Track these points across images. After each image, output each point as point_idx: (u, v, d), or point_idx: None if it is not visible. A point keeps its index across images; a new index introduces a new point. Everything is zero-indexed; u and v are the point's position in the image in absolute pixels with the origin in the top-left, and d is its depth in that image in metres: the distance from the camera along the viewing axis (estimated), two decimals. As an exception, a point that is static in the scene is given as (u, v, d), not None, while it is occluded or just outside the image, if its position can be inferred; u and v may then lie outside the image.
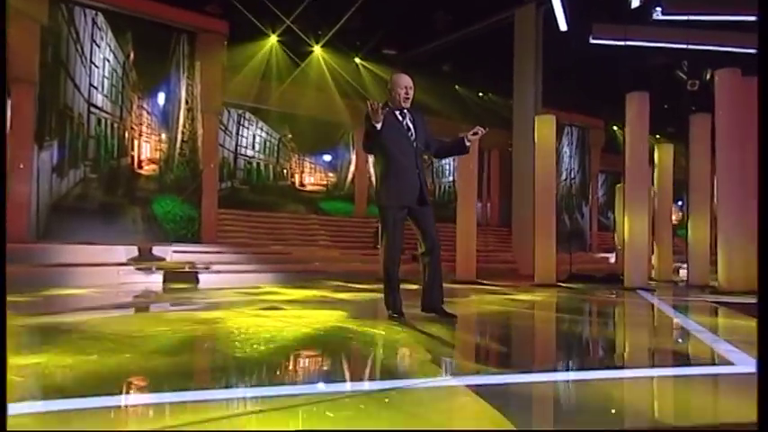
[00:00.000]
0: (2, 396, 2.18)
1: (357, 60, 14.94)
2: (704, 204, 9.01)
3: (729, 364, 2.48)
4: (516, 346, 3.40)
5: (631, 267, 7.66)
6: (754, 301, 5.88)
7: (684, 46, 11.78)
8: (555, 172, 8.24)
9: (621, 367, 2.68)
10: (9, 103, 8.55)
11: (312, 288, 6.86)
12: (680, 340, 3.46)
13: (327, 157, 15.74)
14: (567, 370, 2.52)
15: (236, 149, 14.26)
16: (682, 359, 2.91)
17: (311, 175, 15.48)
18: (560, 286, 8.08)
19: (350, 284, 7.44)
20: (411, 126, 3.76)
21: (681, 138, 13.48)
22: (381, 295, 3.83)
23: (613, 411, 1.80)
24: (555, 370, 2.51)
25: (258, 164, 14.65)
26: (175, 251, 9.10)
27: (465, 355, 2.95)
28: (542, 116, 8.37)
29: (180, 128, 11.75)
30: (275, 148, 14.97)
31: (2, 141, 3.32)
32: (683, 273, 10.73)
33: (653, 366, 2.69)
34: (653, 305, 5.59)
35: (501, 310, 5.07)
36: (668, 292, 7.23)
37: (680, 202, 20.57)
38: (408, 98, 3.72)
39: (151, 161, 11.45)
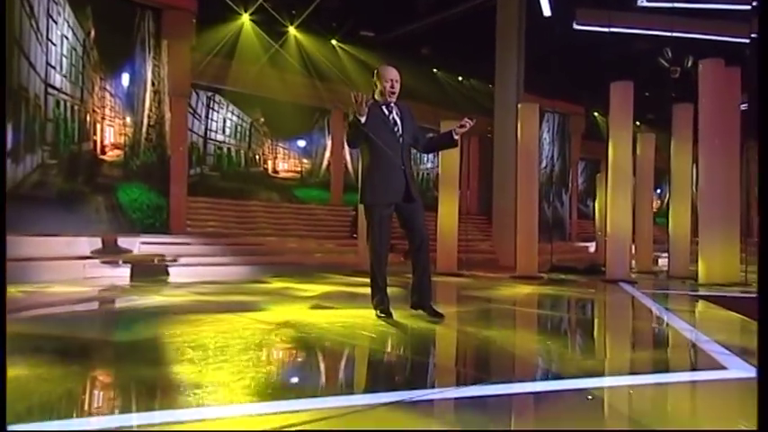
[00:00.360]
0: (2, 396, 2.19)
1: (334, 42, 14.73)
2: (685, 195, 9.20)
3: (722, 368, 2.51)
4: (498, 354, 3.41)
5: (613, 260, 7.77)
6: (735, 293, 6.06)
7: (668, 33, 11.91)
8: (537, 163, 8.27)
9: (612, 375, 2.69)
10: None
11: (317, 282, 6.82)
12: (669, 342, 3.50)
13: (302, 143, 15.56)
14: (549, 379, 2.51)
15: (205, 134, 13.98)
16: (673, 364, 2.94)
17: (285, 162, 15.29)
18: (542, 278, 8.17)
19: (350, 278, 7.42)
20: (398, 120, 3.71)
21: (660, 124, 13.73)
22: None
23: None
24: (534, 379, 2.52)
25: (229, 149, 14.39)
26: (144, 242, 8.88)
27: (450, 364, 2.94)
28: (526, 104, 8.37)
29: (146, 111, 11.43)
30: (247, 132, 14.72)
31: (2, 141, 3.17)
32: (662, 262, 10.98)
33: (644, 373, 2.70)
34: (637, 301, 5.67)
35: (487, 308, 5.09)
36: (650, 285, 7.35)
37: (658, 190, 21.04)
38: (394, 91, 3.67)
39: (115, 146, 11.11)
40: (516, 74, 12.10)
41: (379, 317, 3.65)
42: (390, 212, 3.67)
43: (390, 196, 3.64)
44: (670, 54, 13.89)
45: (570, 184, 19.07)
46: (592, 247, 15.11)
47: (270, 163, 15.02)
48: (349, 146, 3.87)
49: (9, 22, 9.46)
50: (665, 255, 10.90)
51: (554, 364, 2.79)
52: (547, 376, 2.55)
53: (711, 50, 12.26)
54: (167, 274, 7.54)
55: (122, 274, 7.17)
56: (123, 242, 8.72)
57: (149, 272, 7.41)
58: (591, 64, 14.76)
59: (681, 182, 9.16)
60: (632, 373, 2.71)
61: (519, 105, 8.42)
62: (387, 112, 3.71)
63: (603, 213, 12.41)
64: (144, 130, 11.40)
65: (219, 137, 14.21)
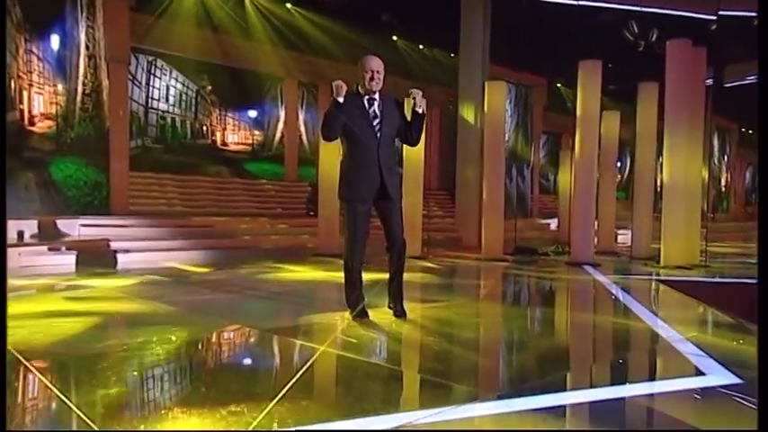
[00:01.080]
0: (2, 396, 2.23)
1: (288, 6, 14.37)
2: (649, 176, 9.60)
3: (700, 374, 2.69)
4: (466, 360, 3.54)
5: (578, 243, 8.09)
6: (699, 278, 6.41)
7: (635, 8, 12.20)
8: (504, 143, 8.43)
9: (589, 385, 2.78)
10: None
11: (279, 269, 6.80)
12: (642, 341, 3.69)
13: (253, 113, 15.24)
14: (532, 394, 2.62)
15: (146, 103, 13.48)
16: (651, 369, 3.08)
17: (235, 133, 14.96)
18: (507, 260, 8.43)
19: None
20: (378, 113, 3.70)
21: (622, 96, 14.18)
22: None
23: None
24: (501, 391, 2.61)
25: (173, 120, 13.96)
26: (84, 225, 8.59)
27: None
28: (493, 83, 8.47)
29: (80, 78, 10.92)
30: (193, 101, 14.29)
31: (2, 141, 3.00)
32: (621, 239, 11.48)
33: (621, 382, 2.80)
34: (604, 287, 5.94)
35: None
36: (614, 269, 7.70)
37: (618, 163, 21.78)
38: (376, 81, 3.65)
39: (46, 117, 10.59)
40: (482, 44, 12.16)
41: (354, 319, 3.71)
42: (367, 209, 3.70)
43: (365, 193, 3.66)
44: (635, 27, 14.26)
45: (532, 158, 19.48)
46: (554, 223, 15.59)
47: (218, 135, 14.67)
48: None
49: None
50: (624, 231, 11.42)
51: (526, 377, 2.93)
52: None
53: (676, 25, 12.73)
54: (115, 261, 7.35)
55: (65, 262, 6.91)
56: (62, 225, 8.42)
57: (96, 260, 7.17)
58: (555, 35, 15.00)
59: (645, 162, 9.54)
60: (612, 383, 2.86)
61: (486, 83, 8.50)
62: (367, 105, 3.69)
63: (566, 192, 12.84)
64: (78, 98, 10.90)
65: (162, 106, 13.74)
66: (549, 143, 23.21)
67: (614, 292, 5.54)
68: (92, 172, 11.05)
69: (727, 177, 27.02)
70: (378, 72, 3.67)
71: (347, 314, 3.79)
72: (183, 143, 14.04)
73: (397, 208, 3.77)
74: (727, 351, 3.18)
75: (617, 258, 9.27)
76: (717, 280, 6.85)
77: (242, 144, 15.04)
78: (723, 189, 25.82)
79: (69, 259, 6.94)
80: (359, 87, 3.74)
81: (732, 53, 15.86)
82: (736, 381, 2.56)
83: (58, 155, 10.62)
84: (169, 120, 13.85)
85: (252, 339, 3.54)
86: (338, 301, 4.05)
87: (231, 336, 3.66)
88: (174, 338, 3.26)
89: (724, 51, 14.60)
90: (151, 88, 13.51)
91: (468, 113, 12.29)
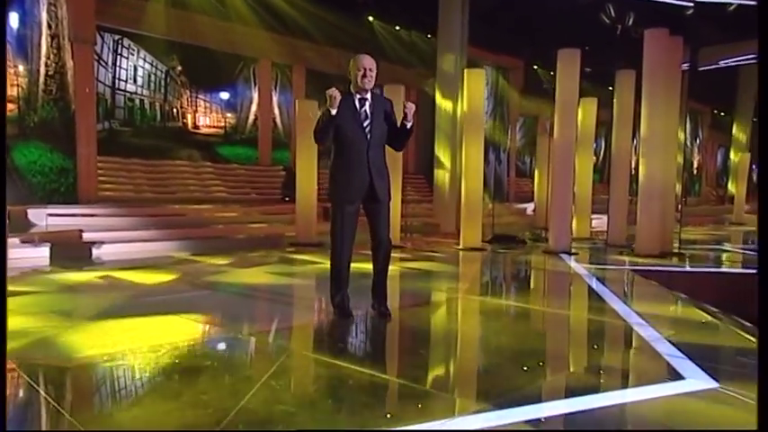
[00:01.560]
0: (2, 396, 2.22)
1: (259, -17, 14.09)
2: (625, 165, 9.76)
3: (679, 377, 2.78)
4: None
5: (556, 232, 8.22)
6: (673, 267, 6.59)
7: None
8: (483, 131, 8.46)
9: (564, 393, 2.77)
10: None
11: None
12: (620, 341, 3.78)
13: (225, 95, 14.97)
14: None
15: (113, 83, 13.11)
16: (629, 373, 3.12)
17: (206, 116, 14.69)
18: (485, 249, 8.54)
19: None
20: (369, 114, 3.68)
21: (599, 80, 14.33)
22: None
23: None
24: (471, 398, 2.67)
25: (142, 101, 13.62)
26: (52, 214, 8.38)
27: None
28: (472, 70, 8.46)
29: (42, 59, 10.58)
30: (162, 82, 13.96)
31: (2, 140, 2.88)
32: (596, 223, 11.67)
33: (595, 390, 2.76)
34: (581, 279, 6.06)
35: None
36: (591, 258, 7.85)
37: (593, 145, 22.07)
38: (368, 79, 3.63)
39: (7, 100, 10.28)
40: (460, 26, 12.10)
41: (338, 318, 3.73)
42: (355, 209, 3.69)
43: (353, 194, 3.66)
44: (612, 11, 14.37)
45: (509, 142, 19.63)
46: (530, 208, 15.79)
47: (189, 117, 14.38)
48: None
49: None
50: (599, 216, 11.62)
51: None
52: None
53: (652, 10, 12.86)
54: (90, 253, 7.19)
55: (38, 255, 6.68)
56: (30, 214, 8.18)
57: (70, 252, 6.96)
58: (533, 17, 15.04)
59: (621, 151, 9.69)
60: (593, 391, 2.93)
61: (465, 71, 8.49)
62: (358, 105, 3.67)
63: (543, 178, 13.00)
64: (41, 80, 10.58)
65: (130, 87, 13.40)
66: (525, 125, 23.33)
67: (593, 286, 5.65)
68: (57, 157, 10.77)
69: (699, 160, 27.61)
70: (370, 70, 3.65)
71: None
72: (152, 126, 13.74)
73: (386, 209, 3.77)
74: (704, 350, 3.30)
75: (593, 245, 9.45)
76: (690, 269, 7.04)
77: (214, 127, 14.79)
78: (695, 172, 26.38)
79: (43, 252, 6.72)
80: (350, 86, 3.72)
81: (707, 38, 16.13)
82: (714, 385, 2.66)
83: (20, 139, 10.32)
84: (137, 101, 13.52)
85: (228, 344, 3.49)
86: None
87: (205, 340, 3.64)
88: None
89: (699, 36, 14.84)
90: (118, 68, 13.15)
91: (445, 96, 12.27)
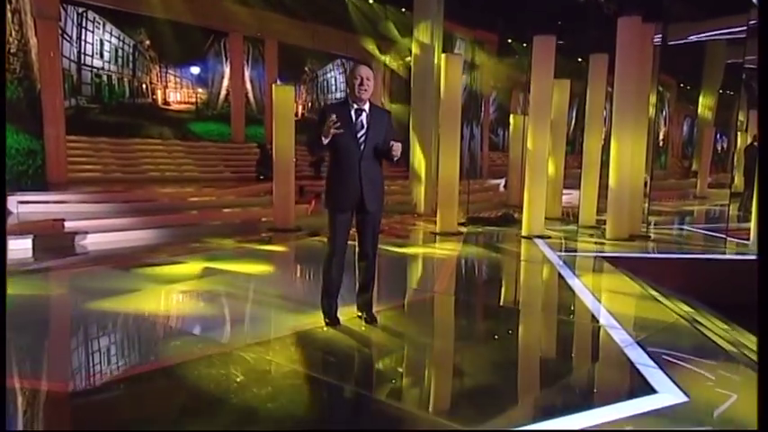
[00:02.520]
0: (2, 396, 2.31)
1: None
2: (597, 147, 9.94)
3: (652, 391, 2.96)
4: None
5: (530, 218, 8.42)
6: (642, 254, 6.83)
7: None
8: (460, 115, 8.51)
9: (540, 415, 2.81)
10: None
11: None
12: (594, 348, 3.95)
13: (196, 70, 14.65)
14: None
15: (78, 59, 12.71)
16: (604, 387, 3.23)
17: (177, 92, 14.39)
18: (461, 234, 8.69)
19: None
20: (365, 125, 3.70)
21: (569, 51, 14.40)
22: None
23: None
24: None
25: (109, 77, 13.25)
26: (22, 201, 8.20)
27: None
28: (450, 55, 8.47)
29: (5, 37, 10.16)
30: (130, 57, 13.58)
31: (2, 140, 2.77)
32: (566, 198, 11.89)
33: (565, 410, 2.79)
34: (555, 272, 6.22)
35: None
36: (563, 245, 8.04)
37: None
38: (365, 88, 3.63)
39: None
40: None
41: (326, 324, 3.82)
42: (347, 218, 3.75)
43: (344, 203, 3.71)
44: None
45: (482, 116, 19.69)
46: (503, 183, 15.99)
47: (159, 93, 14.06)
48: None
49: None
50: (569, 191, 11.86)
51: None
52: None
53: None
54: (73, 244, 7.03)
55: (20, 246, 6.45)
56: (-4, 202, 7.93)
57: (52, 243, 6.77)
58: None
59: (593, 133, 9.87)
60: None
61: (443, 56, 8.48)
62: (354, 116, 3.68)
63: (517, 156, 13.15)
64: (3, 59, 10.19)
65: (97, 62, 13.00)
66: (498, 98, 23.42)
67: (566, 277, 5.84)
68: (24, 139, 10.45)
69: (665, 132, 28.13)
70: (367, 79, 3.65)
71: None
72: (121, 103, 13.41)
73: (374, 221, 3.82)
74: (678, 357, 3.50)
75: (565, 227, 9.68)
76: (657, 256, 7.32)
77: (185, 103, 14.51)
78: (661, 144, 26.89)
79: (25, 244, 6.51)
80: (347, 95, 3.73)
81: (677, 14, 16.31)
82: (684, 399, 2.84)
83: (-15, 121, 9.98)
84: (105, 78, 13.15)
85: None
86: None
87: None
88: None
89: (670, 13, 15.00)
90: (83, 43, 12.72)
91: (421, 71, 12.02)
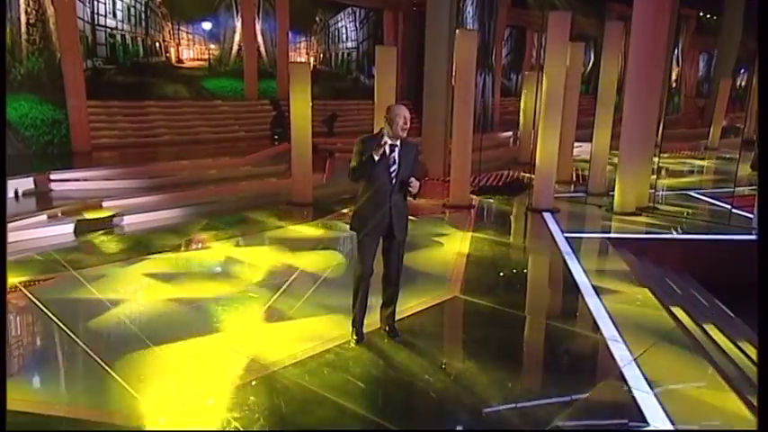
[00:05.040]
0: (2, 396, 2.42)
1: None
2: (609, 114, 10.05)
3: (642, 421, 3.39)
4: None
5: (539, 192, 8.72)
6: (646, 235, 7.15)
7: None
8: (473, 91, 8.62)
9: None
10: None
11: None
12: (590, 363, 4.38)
13: (207, 25, 14.57)
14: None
15: (93, 19, 12.71)
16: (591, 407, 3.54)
17: (190, 49, 14.39)
18: (473, 207, 8.98)
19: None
20: (397, 160, 3.95)
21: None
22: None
23: None
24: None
25: (123, 36, 13.28)
26: (54, 180, 8.55)
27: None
28: (464, 32, 8.48)
29: (23, 7, 10.22)
30: (142, 15, 13.52)
31: (2, 140, 2.98)
32: (577, 151, 11.92)
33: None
34: (559, 260, 6.54)
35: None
36: (570, 220, 8.36)
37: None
38: (405, 129, 3.88)
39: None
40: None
41: (352, 337, 4.27)
42: (375, 241, 4.10)
43: (373, 230, 4.05)
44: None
45: (494, 64, 19.39)
46: (513, 137, 16.06)
47: (173, 51, 14.09)
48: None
49: None
50: (580, 144, 11.93)
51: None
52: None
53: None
54: (111, 227, 7.14)
55: (62, 231, 6.52)
56: (26, 181, 8.20)
57: (92, 226, 6.90)
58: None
59: (606, 102, 9.96)
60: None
61: (457, 32, 8.50)
62: (388, 151, 3.92)
63: (529, 114, 13.18)
64: (23, 30, 10.29)
65: (110, 22, 12.99)
66: (512, 38, 22.92)
67: (571, 268, 6.18)
68: (48, 109, 10.74)
69: (678, 72, 27.31)
70: (408, 119, 3.88)
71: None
72: (136, 62, 13.49)
73: (400, 246, 4.17)
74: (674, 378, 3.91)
75: (573, 196, 9.91)
76: (660, 237, 7.62)
77: (198, 60, 14.53)
78: (674, 85, 26.18)
79: (68, 228, 6.68)
80: (384, 131, 3.95)
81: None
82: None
83: (10, 93, 10.24)
84: (119, 37, 13.18)
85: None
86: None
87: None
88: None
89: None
90: (96, 3, 12.68)
91: (434, 21, 11.64)
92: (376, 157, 3.84)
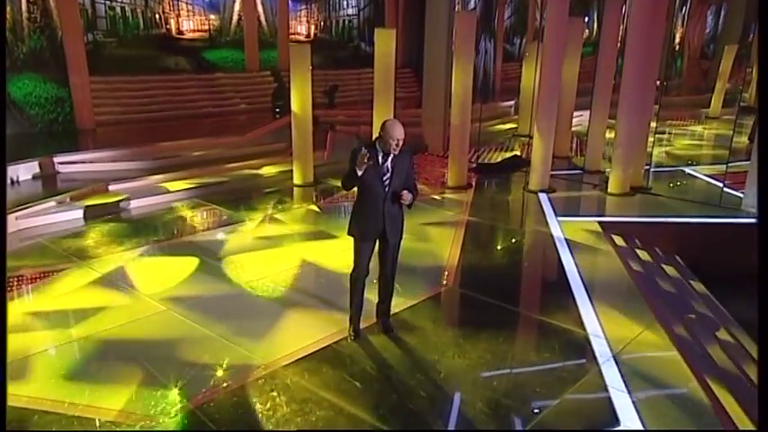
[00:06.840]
0: (2, 396, 2.49)
1: None
2: (607, 92, 10.07)
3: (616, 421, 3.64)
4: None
5: (536, 174, 8.86)
6: (638, 218, 7.34)
7: None
8: (472, 70, 8.65)
9: None
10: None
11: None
12: (577, 364, 4.45)
13: (207, -5, 14.41)
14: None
15: (92, -8, 12.59)
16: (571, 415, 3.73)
17: (190, 20, 14.27)
18: (470, 186, 9.13)
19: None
20: (390, 169, 4.10)
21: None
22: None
23: None
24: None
25: (123, 9, 13.17)
26: (61, 162, 8.70)
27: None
28: (464, 13, 8.46)
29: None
30: (140, -14, 13.37)
31: (2, 139, 3.06)
32: (576, 120, 11.93)
33: None
34: (552, 249, 6.72)
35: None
36: (566, 204, 8.51)
37: (586, 18, 21.30)
38: (398, 148, 4.02)
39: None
40: None
41: (349, 332, 4.53)
42: (370, 245, 4.31)
43: (368, 235, 4.26)
44: None
45: (497, 29, 19.15)
46: (512, 105, 15.97)
47: (173, 22, 13.98)
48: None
49: None
50: (580, 113, 11.92)
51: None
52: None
53: None
54: (119, 211, 7.19)
55: (71, 217, 6.53)
56: (32, 165, 8.33)
57: (100, 211, 6.89)
58: None
59: (604, 83, 9.98)
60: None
61: (456, 14, 8.48)
62: (381, 160, 4.08)
63: (529, 87, 13.11)
64: (24, 8, 10.26)
65: (109, -6, 12.87)
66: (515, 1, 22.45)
67: (562, 259, 6.36)
68: (51, 87, 10.80)
69: (681, 33, 26.64)
70: (401, 140, 4.01)
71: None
72: (136, 35, 13.42)
73: (394, 249, 4.37)
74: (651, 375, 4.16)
75: (570, 174, 10.04)
76: (654, 220, 7.79)
77: (198, 31, 14.43)
78: (677, 48, 25.60)
79: (77, 213, 6.71)
80: (378, 143, 4.09)
81: None
82: None
83: (13, 72, 10.29)
84: (119, 10, 13.07)
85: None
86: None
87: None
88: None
89: None
90: (95, -25, 12.53)
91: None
92: (359, 172, 4.01)
